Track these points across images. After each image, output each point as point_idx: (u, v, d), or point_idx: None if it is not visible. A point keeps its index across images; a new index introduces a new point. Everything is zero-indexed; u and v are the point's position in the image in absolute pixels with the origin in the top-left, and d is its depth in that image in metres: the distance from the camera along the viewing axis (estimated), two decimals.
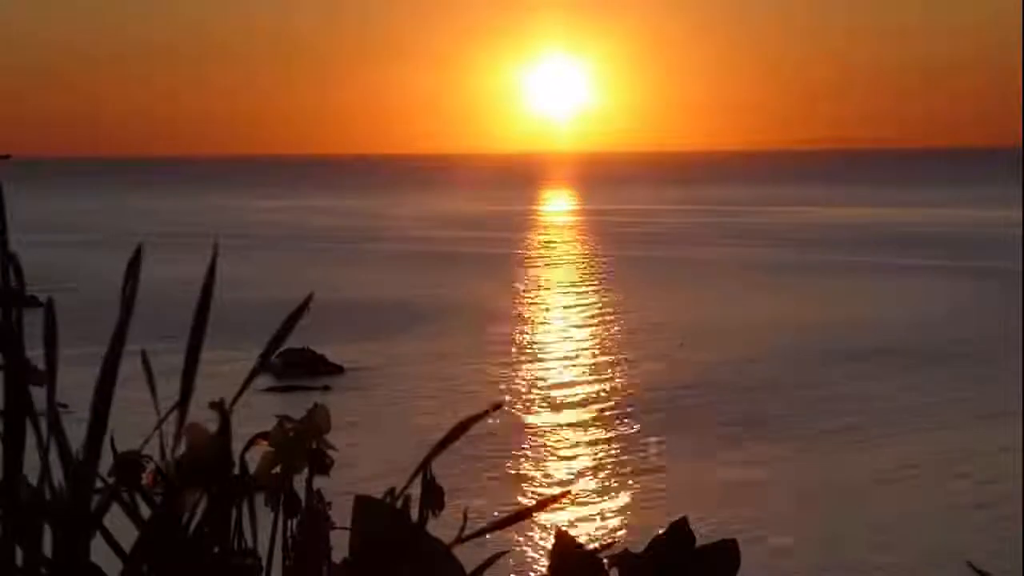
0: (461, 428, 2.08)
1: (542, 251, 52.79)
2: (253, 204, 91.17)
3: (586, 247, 55.15)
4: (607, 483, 16.44)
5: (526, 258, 49.02)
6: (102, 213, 79.30)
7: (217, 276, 2.01)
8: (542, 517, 13.11)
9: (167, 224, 65.65)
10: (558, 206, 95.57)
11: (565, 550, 2.43)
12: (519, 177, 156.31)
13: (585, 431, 19.42)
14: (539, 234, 62.22)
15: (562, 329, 30.03)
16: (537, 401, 21.48)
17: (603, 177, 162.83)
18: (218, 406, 2.02)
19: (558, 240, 59.06)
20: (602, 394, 22.09)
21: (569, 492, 13.83)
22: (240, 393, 2.01)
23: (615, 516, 15.05)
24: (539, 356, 25.94)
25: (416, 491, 2.21)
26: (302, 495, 2.20)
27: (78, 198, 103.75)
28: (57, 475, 1.97)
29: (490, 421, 15.32)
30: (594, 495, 15.82)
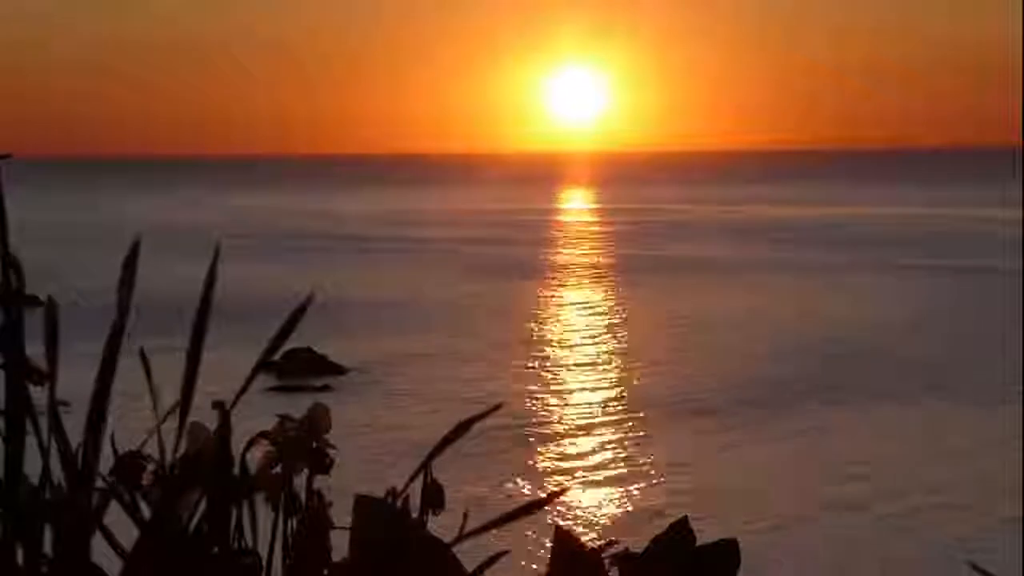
0: (461, 429, 2.08)
1: (553, 250, 52.76)
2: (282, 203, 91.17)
3: (592, 245, 55.18)
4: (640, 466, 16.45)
5: (536, 257, 48.98)
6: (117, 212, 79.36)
7: (223, 276, 2.01)
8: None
9: (175, 223, 65.64)
10: (572, 204, 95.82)
11: (565, 549, 2.43)
12: (540, 175, 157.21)
13: (592, 430, 19.45)
14: (549, 234, 62.17)
15: (567, 328, 30.03)
16: (544, 399, 21.50)
17: (612, 176, 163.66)
18: (219, 406, 2.02)
19: (566, 240, 59.06)
20: (609, 394, 22.11)
21: (567, 489, 13.79)
22: (241, 393, 2.01)
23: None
24: (545, 355, 25.95)
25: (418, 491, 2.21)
26: (302, 495, 2.20)
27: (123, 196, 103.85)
28: (57, 474, 1.97)
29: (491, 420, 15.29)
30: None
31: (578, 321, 31.44)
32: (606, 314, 32.65)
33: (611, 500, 15.86)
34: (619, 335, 28.93)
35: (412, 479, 2.19)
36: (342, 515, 2.21)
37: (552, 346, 27.39)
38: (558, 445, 18.65)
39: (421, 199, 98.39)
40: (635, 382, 23.12)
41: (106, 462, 2.03)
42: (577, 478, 16.85)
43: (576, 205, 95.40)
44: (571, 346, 27.45)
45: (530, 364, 24.93)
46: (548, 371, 24.38)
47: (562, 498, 15.01)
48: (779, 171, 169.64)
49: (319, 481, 2.21)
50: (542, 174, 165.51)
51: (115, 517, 2.01)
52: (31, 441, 1.96)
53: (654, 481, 16.56)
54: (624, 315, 32.20)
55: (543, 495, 2.12)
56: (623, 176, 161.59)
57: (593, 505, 15.63)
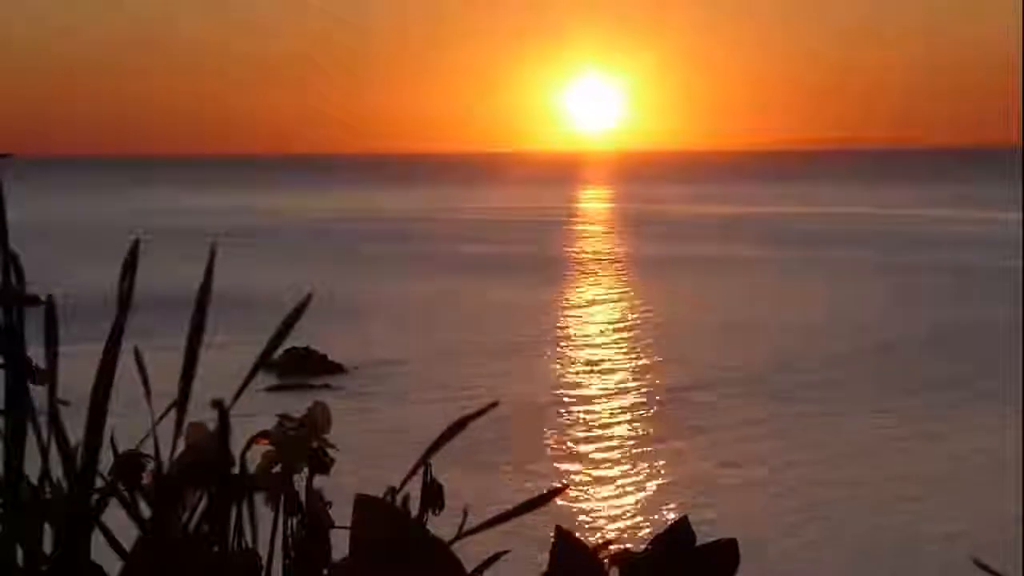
0: (458, 426, 2.08)
1: (556, 249, 52.71)
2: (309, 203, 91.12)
3: (598, 243, 55.17)
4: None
5: (538, 256, 48.92)
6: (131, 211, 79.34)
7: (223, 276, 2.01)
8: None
9: (182, 223, 65.64)
10: (585, 202, 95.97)
11: (565, 548, 2.42)
12: (556, 175, 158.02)
13: (598, 426, 19.47)
14: (553, 232, 62.06)
15: (567, 327, 30.04)
16: (556, 396, 21.51)
17: (619, 175, 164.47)
18: (218, 405, 2.02)
19: (571, 238, 59.04)
20: (606, 390, 22.13)
21: (569, 487, 13.78)
22: (240, 392, 2.01)
23: None
24: (547, 355, 25.95)
25: (417, 490, 2.21)
26: (302, 495, 2.20)
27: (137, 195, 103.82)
28: (57, 473, 1.97)
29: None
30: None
31: (579, 319, 31.45)
32: (607, 312, 32.65)
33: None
34: (620, 333, 28.93)
35: (409, 477, 2.19)
36: (342, 515, 2.21)
37: (552, 345, 27.41)
38: (571, 438, 18.68)
39: (424, 197, 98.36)
40: (632, 377, 23.14)
41: (106, 462, 2.03)
42: (585, 469, 16.87)
43: (589, 204, 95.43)
44: (573, 344, 27.47)
45: (532, 362, 24.96)
46: (549, 369, 24.40)
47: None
48: (790, 170, 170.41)
49: (319, 481, 2.21)
50: (558, 173, 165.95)
51: (116, 516, 2.02)
52: (31, 441, 1.96)
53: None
54: (626, 313, 32.20)
55: (544, 492, 2.12)
56: (639, 175, 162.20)
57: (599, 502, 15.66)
